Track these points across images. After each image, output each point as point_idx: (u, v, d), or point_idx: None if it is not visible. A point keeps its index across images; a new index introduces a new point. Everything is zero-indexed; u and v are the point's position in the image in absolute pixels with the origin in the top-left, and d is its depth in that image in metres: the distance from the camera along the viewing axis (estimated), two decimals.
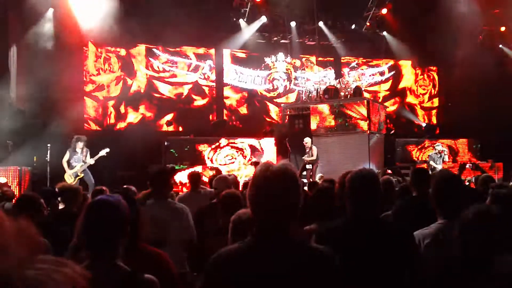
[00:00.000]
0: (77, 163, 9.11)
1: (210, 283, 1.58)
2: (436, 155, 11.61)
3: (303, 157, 11.31)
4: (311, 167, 10.96)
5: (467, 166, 6.88)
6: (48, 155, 9.82)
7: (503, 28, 16.27)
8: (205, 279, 1.59)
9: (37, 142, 10.40)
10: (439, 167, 11.08)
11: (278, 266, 1.48)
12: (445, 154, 11.84)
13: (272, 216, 1.54)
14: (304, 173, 11.13)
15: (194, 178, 5.33)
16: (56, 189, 4.35)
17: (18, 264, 0.62)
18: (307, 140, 11.37)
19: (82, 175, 9.14)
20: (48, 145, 9.95)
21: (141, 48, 14.76)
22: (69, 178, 8.99)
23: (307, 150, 11.24)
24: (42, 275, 0.62)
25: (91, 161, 9.19)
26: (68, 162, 9.12)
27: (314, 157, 11.11)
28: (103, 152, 9.30)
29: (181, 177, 11.09)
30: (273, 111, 16.33)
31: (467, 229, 1.91)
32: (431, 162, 11.53)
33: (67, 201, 4.06)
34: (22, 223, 0.69)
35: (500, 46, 16.61)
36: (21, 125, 10.46)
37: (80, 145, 9.16)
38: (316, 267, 1.52)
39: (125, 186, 4.92)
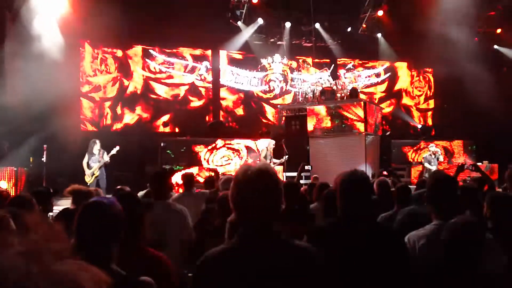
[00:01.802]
0: (94, 164, 9.52)
1: (198, 285, 1.60)
2: (430, 157, 11.68)
3: (274, 160, 11.46)
4: (310, 168, 10.92)
5: (466, 167, 6.86)
6: (44, 156, 9.82)
7: (499, 30, 16.39)
8: (193, 281, 1.61)
9: (33, 143, 10.39)
10: (434, 168, 11.15)
11: (263, 266, 1.50)
12: (439, 155, 11.92)
13: (254, 216, 1.57)
14: (308, 174, 11.05)
15: (188, 179, 5.34)
16: (52, 190, 4.34)
17: (55, 259, 0.68)
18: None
19: (98, 173, 9.50)
20: (44, 146, 9.95)
21: (138, 49, 14.76)
22: (87, 178, 9.46)
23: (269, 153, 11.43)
24: (74, 271, 0.68)
25: (106, 158, 9.59)
26: (88, 164, 9.55)
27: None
28: (114, 151, 9.64)
29: (178, 178, 11.08)
30: (270, 112, 16.36)
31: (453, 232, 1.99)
32: (426, 164, 11.59)
33: (77, 203, 4.08)
34: (55, 225, 0.76)
35: (495, 47, 16.71)
36: (17, 126, 10.43)
37: (96, 147, 9.61)
38: (300, 265, 1.54)
39: (119, 187, 4.91)
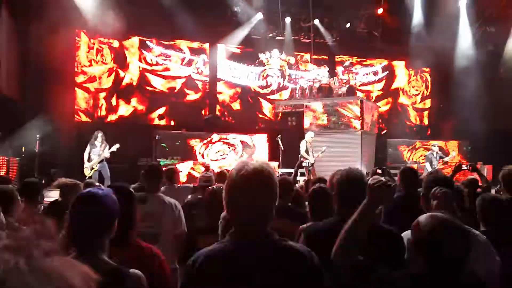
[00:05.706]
0: (95, 156, 9.37)
1: (189, 284, 1.55)
2: (432, 155, 11.51)
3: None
4: (307, 165, 10.64)
5: (464, 167, 6.79)
6: (37, 146, 9.74)
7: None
8: (184, 280, 1.57)
9: (26, 133, 10.30)
10: (435, 168, 10.93)
11: (256, 266, 1.46)
12: (453, 155, 11.91)
13: (249, 216, 1.52)
14: (302, 170, 10.86)
15: (170, 173, 5.38)
16: (43, 181, 4.31)
17: (43, 255, 0.69)
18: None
19: (97, 167, 9.35)
20: (37, 135, 9.87)
21: (135, 40, 14.63)
22: (86, 170, 9.31)
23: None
24: (63, 268, 0.69)
25: (106, 154, 9.40)
26: (89, 155, 9.40)
27: None
28: (114, 148, 9.48)
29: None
30: (266, 107, 16.31)
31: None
32: (427, 164, 11.37)
33: (64, 196, 4.04)
34: (46, 222, 0.77)
35: (493, 47, 16.66)
36: (10, 115, 10.33)
37: (99, 139, 9.44)
38: (293, 266, 1.50)
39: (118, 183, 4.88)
